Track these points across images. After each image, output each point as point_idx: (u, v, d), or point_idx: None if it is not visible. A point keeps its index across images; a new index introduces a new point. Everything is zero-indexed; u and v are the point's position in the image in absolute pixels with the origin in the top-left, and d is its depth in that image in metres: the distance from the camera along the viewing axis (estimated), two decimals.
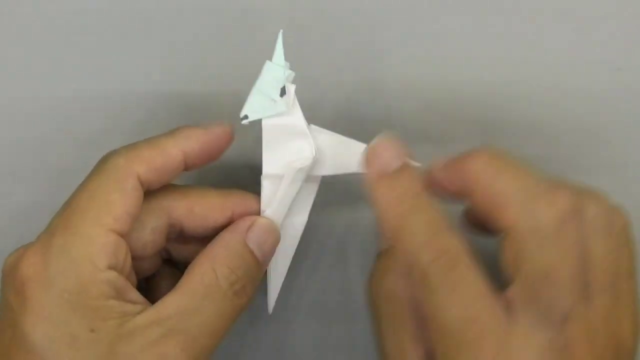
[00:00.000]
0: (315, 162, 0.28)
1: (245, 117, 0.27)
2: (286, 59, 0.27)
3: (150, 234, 0.27)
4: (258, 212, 0.28)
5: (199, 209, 0.27)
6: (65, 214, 0.25)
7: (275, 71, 0.27)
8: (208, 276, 0.26)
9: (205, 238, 0.27)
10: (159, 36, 0.31)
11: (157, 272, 0.29)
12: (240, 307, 0.26)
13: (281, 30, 0.27)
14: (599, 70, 0.32)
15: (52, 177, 0.31)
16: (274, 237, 0.28)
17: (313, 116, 0.28)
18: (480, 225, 0.27)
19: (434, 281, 0.24)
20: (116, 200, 0.25)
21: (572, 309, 0.23)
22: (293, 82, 0.27)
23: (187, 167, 0.27)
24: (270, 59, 0.27)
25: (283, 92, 0.27)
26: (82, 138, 0.32)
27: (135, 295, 0.25)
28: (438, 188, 0.26)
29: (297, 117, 0.28)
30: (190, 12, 0.31)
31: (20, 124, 0.32)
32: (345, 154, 0.28)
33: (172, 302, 0.25)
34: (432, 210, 0.25)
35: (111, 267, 0.25)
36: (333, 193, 0.32)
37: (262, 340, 0.33)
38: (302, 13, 0.31)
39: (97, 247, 0.25)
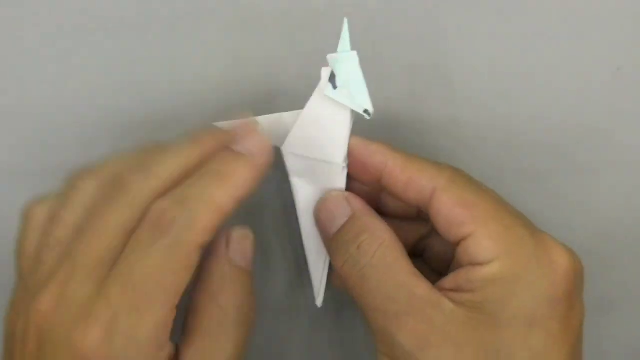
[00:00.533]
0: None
1: (367, 112, 0.27)
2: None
3: None
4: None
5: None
6: (129, 293, 0.24)
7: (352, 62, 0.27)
8: (217, 315, 0.26)
9: None
10: (165, 38, 0.31)
11: None
12: (249, 326, 0.27)
13: (346, 19, 0.27)
14: (599, 70, 0.32)
15: (52, 177, 0.31)
16: (250, 241, 0.28)
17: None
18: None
19: (366, 254, 0.26)
20: (183, 279, 0.24)
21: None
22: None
23: None
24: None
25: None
26: (83, 138, 0.32)
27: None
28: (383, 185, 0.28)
29: (344, 120, 0.27)
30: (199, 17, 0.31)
31: (20, 124, 0.32)
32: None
33: (190, 353, 0.26)
34: (397, 263, 0.27)
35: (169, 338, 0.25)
36: None
37: (262, 340, 0.34)
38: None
39: (163, 327, 0.24)
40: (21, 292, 0.27)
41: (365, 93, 0.27)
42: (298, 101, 0.28)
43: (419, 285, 0.26)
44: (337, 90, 0.27)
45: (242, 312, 0.27)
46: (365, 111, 0.27)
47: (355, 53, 0.27)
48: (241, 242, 0.28)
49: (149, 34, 0.32)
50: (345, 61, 0.27)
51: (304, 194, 0.29)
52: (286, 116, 0.28)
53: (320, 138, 0.28)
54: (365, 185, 0.29)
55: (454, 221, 0.26)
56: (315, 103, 0.27)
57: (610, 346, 0.29)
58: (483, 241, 0.26)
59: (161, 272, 0.24)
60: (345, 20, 0.27)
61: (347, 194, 0.28)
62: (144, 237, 0.24)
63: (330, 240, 0.28)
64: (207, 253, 0.27)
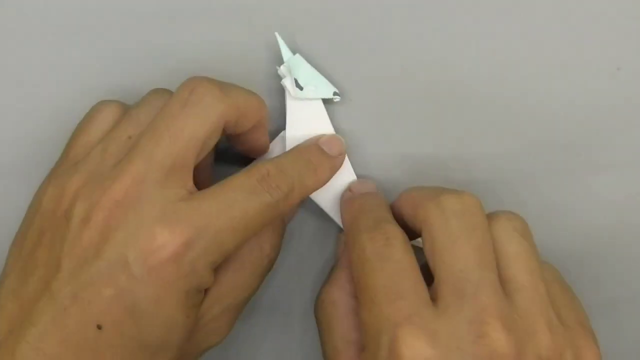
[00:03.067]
0: None
1: (336, 94, 0.31)
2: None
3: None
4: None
5: (244, 120, 0.28)
6: (216, 205, 0.26)
7: (300, 64, 0.31)
8: (255, 256, 0.29)
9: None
10: (161, 37, 0.31)
11: None
12: (269, 269, 0.30)
13: (276, 32, 0.30)
14: (599, 70, 0.32)
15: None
16: (295, 210, 0.32)
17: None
18: None
19: (367, 252, 0.26)
20: (209, 139, 0.27)
21: (483, 280, 0.25)
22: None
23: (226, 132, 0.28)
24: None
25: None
26: None
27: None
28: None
29: (320, 109, 0.31)
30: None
31: (20, 124, 0.32)
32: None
33: (227, 281, 0.28)
34: (383, 212, 0.29)
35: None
36: None
37: (259, 339, 0.33)
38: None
39: (220, 249, 0.26)
40: (69, 174, 0.27)
41: (325, 81, 0.31)
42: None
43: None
44: (304, 90, 0.31)
45: (275, 253, 0.29)
46: (334, 94, 0.31)
47: (299, 55, 0.31)
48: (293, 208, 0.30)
49: (152, 34, 0.32)
50: (296, 65, 0.31)
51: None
52: (281, 134, 0.32)
53: (310, 135, 0.31)
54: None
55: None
56: (292, 109, 0.31)
57: (612, 347, 0.29)
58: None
59: (252, 219, 0.26)
60: (277, 34, 0.31)
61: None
62: (248, 183, 0.27)
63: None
64: None
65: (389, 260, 0.26)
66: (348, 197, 0.31)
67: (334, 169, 0.30)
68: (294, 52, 0.31)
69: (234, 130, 0.28)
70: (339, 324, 0.28)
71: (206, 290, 0.27)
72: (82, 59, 0.32)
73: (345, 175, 0.32)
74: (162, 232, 0.25)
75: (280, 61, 0.31)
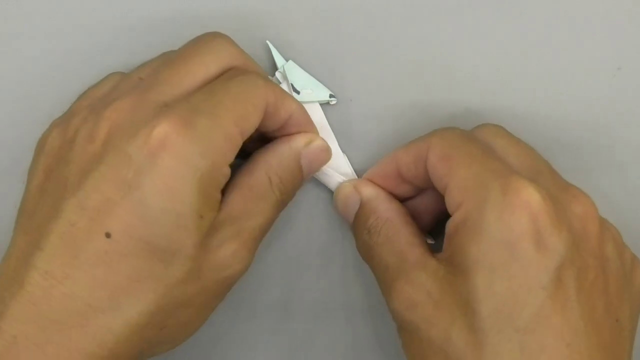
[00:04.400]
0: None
1: (332, 96, 0.32)
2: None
3: None
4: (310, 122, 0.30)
5: (277, 108, 0.28)
6: (211, 101, 0.25)
7: (295, 71, 0.31)
8: (263, 182, 0.28)
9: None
10: (153, 46, 0.31)
11: None
12: (280, 212, 0.29)
13: (267, 41, 0.31)
14: (599, 70, 0.32)
15: None
16: (326, 158, 0.31)
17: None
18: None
19: (374, 235, 0.28)
20: (251, 113, 0.26)
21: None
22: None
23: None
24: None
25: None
26: None
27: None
28: (405, 177, 0.30)
29: (318, 112, 0.31)
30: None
31: (20, 124, 0.32)
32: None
33: (238, 203, 0.27)
34: (400, 234, 0.29)
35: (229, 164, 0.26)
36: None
37: (257, 338, 0.34)
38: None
39: (230, 145, 0.26)
40: (73, 115, 0.27)
41: (320, 85, 0.32)
42: None
43: (412, 251, 0.27)
44: (301, 94, 0.31)
45: (282, 197, 0.29)
46: (330, 96, 0.32)
47: (292, 61, 0.31)
48: (318, 153, 0.30)
49: (143, 43, 0.32)
50: (290, 70, 0.31)
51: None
52: None
53: None
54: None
55: (437, 175, 0.27)
56: None
57: None
58: (452, 192, 0.26)
59: (239, 94, 0.26)
60: (268, 42, 0.31)
61: (355, 182, 0.31)
62: (227, 74, 0.27)
63: (352, 228, 0.30)
64: (285, 140, 0.29)
65: (393, 237, 0.28)
66: (351, 226, 0.31)
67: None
68: (286, 59, 0.31)
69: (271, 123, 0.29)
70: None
71: (220, 207, 0.27)
72: (84, 59, 0.32)
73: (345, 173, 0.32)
74: (158, 123, 0.24)
75: (274, 68, 0.31)
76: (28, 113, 0.32)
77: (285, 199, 0.29)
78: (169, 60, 0.27)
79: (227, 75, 0.27)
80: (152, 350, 0.26)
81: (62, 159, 0.25)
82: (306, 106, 0.31)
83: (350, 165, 0.32)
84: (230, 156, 0.26)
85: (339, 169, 0.32)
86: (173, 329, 0.26)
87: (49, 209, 0.24)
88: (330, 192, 0.32)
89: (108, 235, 0.23)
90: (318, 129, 0.31)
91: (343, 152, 0.32)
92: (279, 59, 0.31)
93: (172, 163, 0.24)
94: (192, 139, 0.24)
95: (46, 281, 0.23)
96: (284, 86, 0.31)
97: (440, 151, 0.27)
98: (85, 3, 0.31)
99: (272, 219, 0.29)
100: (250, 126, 0.26)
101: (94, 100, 0.27)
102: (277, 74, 0.31)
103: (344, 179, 0.31)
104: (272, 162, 0.29)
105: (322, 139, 0.31)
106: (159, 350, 0.26)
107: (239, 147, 0.26)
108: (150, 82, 0.26)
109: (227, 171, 0.26)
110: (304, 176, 0.30)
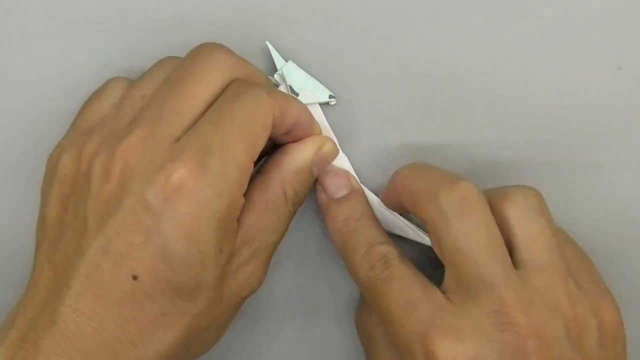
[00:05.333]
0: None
1: (331, 97, 0.32)
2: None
3: None
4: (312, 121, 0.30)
5: (284, 117, 0.28)
6: (220, 134, 0.25)
7: (293, 71, 0.31)
8: (279, 198, 0.28)
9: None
10: (150, 49, 0.31)
11: None
12: (289, 225, 0.29)
13: (267, 41, 0.31)
14: (599, 70, 0.32)
15: None
16: (333, 157, 0.31)
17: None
18: None
19: (373, 281, 0.28)
20: (259, 135, 0.26)
21: (495, 276, 0.25)
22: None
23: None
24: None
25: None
26: None
27: None
28: (390, 203, 0.31)
29: (318, 113, 0.31)
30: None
31: (20, 124, 0.32)
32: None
33: (254, 224, 0.28)
34: (371, 228, 0.29)
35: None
36: None
37: (256, 338, 0.34)
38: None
39: (244, 175, 0.26)
40: (85, 139, 0.27)
41: (320, 85, 0.31)
42: None
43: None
44: (299, 96, 0.31)
45: (295, 207, 0.29)
46: (330, 97, 0.31)
47: (290, 61, 0.31)
48: (329, 157, 0.30)
49: (141, 44, 0.32)
50: (289, 71, 0.31)
51: None
52: None
53: None
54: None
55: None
56: None
57: None
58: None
59: (244, 120, 0.26)
60: (268, 42, 0.31)
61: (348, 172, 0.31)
62: (228, 92, 0.27)
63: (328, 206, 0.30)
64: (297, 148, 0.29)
65: (393, 280, 0.27)
66: (326, 202, 0.31)
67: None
68: (286, 59, 0.31)
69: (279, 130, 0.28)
70: (378, 352, 0.29)
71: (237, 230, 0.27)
72: (84, 60, 0.32)
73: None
74: (172, 165, 0.24)
75: (273, 69, 0.31)
76: (28, 113, 0.32)
77: (296, 209, 0.30)
78: (170, 82, 0.27)
79: (230, 93, 0.27)
80: None
81: (79, 192, 0.26)
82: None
83: (350, 165, 0.32)
84: (245, 185, 0.26)
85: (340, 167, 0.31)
86: (197, 348, 0.27)
87: (72, 246, 0.25)
88: None
89: (135, 277, 0.24)
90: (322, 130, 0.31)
91: (343, 152, 0.32)
92: (278, 60, 0.31)
93: (190, 209, 0.24)
94: (208, 182, 0.25)
95: (77, 317, 0.24)
96: (283, 88, 0.31)
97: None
98: (86, 4, 0.31)
99: (285, 233, 0.29)
100: (260, 147, 0.27)
101: (102, 124, 0.27)
102: (276, 76, 0.31)
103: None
104: (287, 176, 0.29)
105: (329, 139, 0.31)
106: None
107: (251, 171, 0.26)
108: (157, 113, 0.26)
109: (242, 201, 0.26)
110: (314, 180, 0.31)
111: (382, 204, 0.31)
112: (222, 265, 0.26)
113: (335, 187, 0.30)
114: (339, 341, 0.33)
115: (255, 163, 0.27)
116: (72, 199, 0.26)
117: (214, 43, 0.28)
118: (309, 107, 0.31)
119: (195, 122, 0.26)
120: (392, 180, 0.30)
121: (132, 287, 0.24)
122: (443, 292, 0.27)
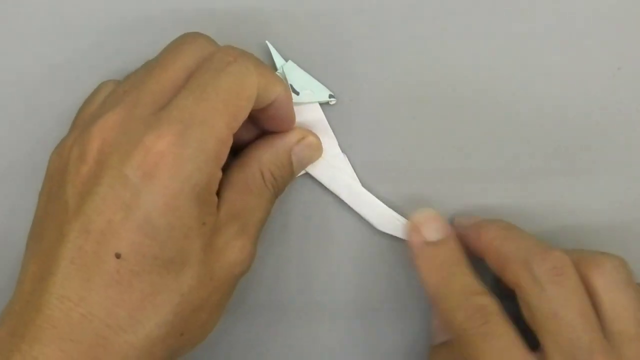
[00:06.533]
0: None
1: (331, 96, 0.32)
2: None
3: None
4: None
5: (267, 92, 0.28)
6: (200, 106, 0.25)
7: (294, 71, 0.31)
8: (257, 178, 0.28)
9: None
10: (150, 43, 0.31)
11: None
12: (273, 205, 0.30)
13: (267, 41, 0.31)
14: (599, 70, 0.32)
15: None
16: (316, 155, 0.31)
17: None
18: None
19: (470, 334, 0.27)
20: (243, 108, 0.26)
21: (593, 342, 0.25)
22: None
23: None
24: None
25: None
26: None
27: None
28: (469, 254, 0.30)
29: (318, 112, 0.31)
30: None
31: (20, 124, 0.32)
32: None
33: (237, 201, 0.28)
34: (468, 276, 0.28)
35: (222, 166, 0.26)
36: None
37: (254, 338, 0.33)
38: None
39: (224, 148, 0.25)
40: (69, 134, 0.27)
41: (320, 85, 0.31)
42: None
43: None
44: (300, 94, 0.31)
45: (274, 190, 0.29)
46: (330, 96, 0.31)
47: (291, 61, 0.31)
48: (309, 150, 0.30)
49: (141, 40, 0.32)
50: (290, 71, 0.31)
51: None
52: None
53: None
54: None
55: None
56: None
57: None
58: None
59: (227, 93, 0.25)
60: (268, 42, 0.31)
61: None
62: (213, 63, 0.26)
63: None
64: (278, 136, 0.30)
65: (493, 338, 0.26)
66: (419, 246, 0.30)
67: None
68: (286, 59, 0.31)
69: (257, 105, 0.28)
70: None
71: (218, 207, 0.27)
72: (84, 60, 0.32)
73: (330, 147, 0.32)
74: (149, 138, 0.24)
75: (273, 69, 0.31)
76: (27, 113, 0.32)
77: (277, 192, 0.30)
78: (150, 68, 0.27)
79: (216, 63, 0.26)
80: (173, 355, 0.26)
81: (60, 181, 0.26)
82: (306, 106, 0.31)
83: (350, 165, 0.32)
84: (223, 159, 0.26)
85: (339, 170, 0.32)
86: (192, 333, 0.26)
87: (55, 233, 0.25)
88: (327, 193, 0.32)
89: (118, 255, 0.24)
90: (318, 129, 0.31)
91: (343, 152, 0.32)
92: (278, 59, 0.31)
93: (169, 181, 0.24)
94: (187, 155, 0.24)
95: (63, 304, 0.23)
96: None
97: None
98: (86, 4, 0.31)
99: (269, 212, 0.29)
100: (242, 120, 0.26)
101: (86, 118, 0.27)
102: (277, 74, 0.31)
103: (348, 179, 0.31)
104: (264, 157, 0.29)
105: (316, 135, 0.31)
106: (180, 354, 0.27)
107: (231, 143, 0.26)
108: (135, 95, 0.26)
109: (220, 174, 0.26)
110: (294, 174, 0.30)
111: (381, 207, 0.31)
112: (207, 236, 0.25)
113: (431, 230, 0.30)
114: (338, 340, 0.33)
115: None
116: (54, 191, 0.26)
117: (196, 32, 0.28)
118: (309, 106, 0.31)
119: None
120: (479, 236, 0.29)
121: (116, 266, 0.24)
122: (538, 358, 0.26)
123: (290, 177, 0.30)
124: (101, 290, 0.24)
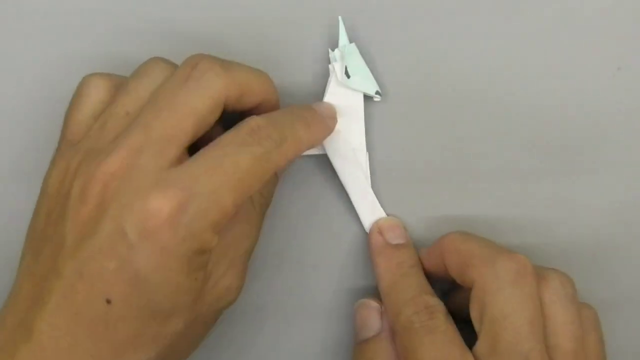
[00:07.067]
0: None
1: (378, 93, 0.31)
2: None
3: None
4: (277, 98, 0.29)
5: (247, 97, 0.28)
6: (212, 178, 0.25)
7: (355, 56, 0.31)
8: (247, 206, 0.29)
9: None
10: (166, 41, 0.31)
11: None
12: (260, 230, 0.30)
13: (340, 16, 0.31)
14: (599, 70, 0.32)
15: None
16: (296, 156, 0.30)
17: None
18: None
19: (415, 327, 0.28)
20: (252, 187, 0.26)
21: (532, 352, 0.26)
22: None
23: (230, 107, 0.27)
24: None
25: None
26: None
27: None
28: (429, 262, 0.31)
29: (358, 102, 0.31)
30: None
31: (20, 124, 0.32)
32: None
33: (226, 235, 0.27)
34: (422, 278, 0.30)
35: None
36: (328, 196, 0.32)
37: (254, 338, 0.33)
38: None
39: (224, 219, 0.25)
40: (71, 154, 0.27)
41: (372, 78, 0.31)
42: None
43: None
44: (350, 78, 0.31)
45: (265, 199, 0.29)
46: (377, 92, 0.31)
47: (354, 45, 0.31)
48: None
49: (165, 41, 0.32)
50: (349, 53, 0.31)
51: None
52: None
53: (341, 124, 0.31)
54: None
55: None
56: (332, 95, 0.31)
57: (613, 346, 0.29)
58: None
59: (246, 172, 0.25)
60: (340, 18, 0.31)
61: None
62: (238, 137, 0.26)
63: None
64: None
65: (437, 333, 0.27)
66: (380, 245, 0.31)
67: (327, 129, 0.30)
68: (350, 41, 0.31)
69: (239, 107, 0.28)
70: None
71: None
72: (84, 60, 0.32)
73: (357, 139, 0.31)
74: (155, 198, 0.24)
75: (334, 45, 0.31)
76: (27, 112, 0.32)
77: (265, 210, 0.30)
78: (157, 106, 0.26)
79: (230, 138, 0.26)
80: None
81: (61, 210, 0.26)
82: (350, 94, 0.31)
83: (368, 164, 0.32)
84: (222, 228, 0.26)
85: (355, 163, 0.31)
86: (171, 358, 0.27)
87: (50, 262, 0.25)
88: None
89: (108, 301, 0.24)
90: (352, 118, 0.31)
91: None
92: (343, 38, 0.31)
93: (165, 244, 0.24)
94: (185, 222, 0.24)
95: (53, 332, 0.24)
96: (338, 66, 0.31)
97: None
98: (84, 3, 0.31)
99: (256, 238, 0.29)
100: (249, 194, 0.26)
101: (86, 140, 0.27)
102: (335, 51, 0.31)
103: (361, 176, 0.31)
104: None
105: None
106: None
107: (232, 216, 0.26)
108: (140, 138, 0.25)
109: (216, 240, 0.26)
110: (278, 178, 0.31)
111: (380, 214, 0.32)
112: (198, 290, 0.26)
113: (394, 235, 0.31)
114: (338, 340, 0.33)
115: None
116: (54, 215, 0.26)
117: (205, 60, 0.27)
118: (353, 94, 0.31)
119: (181, 154, 0.26)
120: (439, 241, 0.30)
121: (105, 309, 0.24)
122: (475, 356, 0.27)
123: (274, 186, 0.30)
124: (89, 327, 0.24)
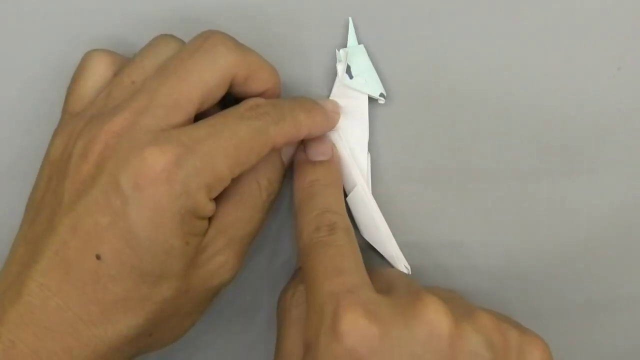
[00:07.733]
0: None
1: (382, 95, 0.31)
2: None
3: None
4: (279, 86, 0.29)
5: (253, 81, 0.28)
6: (210, 141, 0.25)
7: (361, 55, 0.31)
8: (253, 189, 0.28)
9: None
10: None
11: None
12: (269, 213, 0.30)
13: (350, 17, 0.31)
14: (599, 70, 0.32)
15: None
16: (295, 144, 0.31)
17: None
18: None
19: (313, 243, 0.27)
20: (252, 160, 0.26)
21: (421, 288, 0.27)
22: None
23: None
24: None
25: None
26: None
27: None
28: None
29: (363, 104, 0.31)
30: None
31: (20, 124, 0.32)
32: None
33: (229, 214, 0.28)
34: (332, 197, 0.29)
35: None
36: None
37: (253, 338, 0.34)
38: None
39: (218, 184, 0.26)
40: (75, 122, 0.27)
41: (378, 80, 0.31)
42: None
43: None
44: (353, 79, 0.31)
45: (270, 198, 0.29)
46: (381, 94, 0.31)
47: (362, 46, 0.31)
48: (294, 146, 0.31)
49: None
50: (356, 54, 0.31)
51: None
52: None
53: (344, 123, 0.31)
54: None
55: None
56: (336, 95, 0.31)
57: (612, 346, 0.29)
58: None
59: (245, 142, 0.26)
60: (350, 19, 0.31)
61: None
62: (237, 111, 0.27)
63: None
64: None
65: (333, 246, 0.27)
66: (300, 161, 0.31)
67: (329, 119, 0.30)
68: (359, 42, 0.31)
69: (243, 91, 0.28)
70: (288, 330, 0.29)
71: (209, 221, 0.27)
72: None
73: (359, 141, 0.31)
74: (151, 152, 0.24)
75: (342, 45, 0.31)
76: (27, 112, 0.32)
77: (273, 199, 0.30)
78: (164, 74, 0.26)
79: (242, 110, 0.27)
80: (141, 352, 0.27)
81: (60, 172, 0.26)
82: (355, 95, 0.31)
83: (369, 166, 0.32)
84: (215, 193, 0.26)
85: (355, 165, 0.31)
86: (161, 334, 0.27)
87: (45, 222, 0.25)
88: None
89: (98, 257, 0.24)
90: (356, 120, 0.31)
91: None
92: (352, 38, 0.31)
93: (159, 198, 0.24)
94: (180, 177, 0.25)
95: (42, 292, 0.24)
96: (341, 66, 0.31)
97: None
98: (84, 3, 0.31)
99: (262, 223, 0.29)
100: (245, 168, 0.27)
101: (91, 108, 0.27)
102: (342, 51, 0.31)
103: (360, 178, 0.31)
104: (260, 166, 0.28)
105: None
106: (148, 351, 0.28)
107: (227, 184, 0.26)
108: (146, 102, 0.26)
109: (211, 206, 0.26)
110: (285, 168, 0.31)
111: (377, 218, 0.31)
112: (190, 256, 0.26)
113: (316, 152, 0.31)
114: None
115: None
116: (54, 179, 0.26)
117: (218, 35, 0.27)
118: (358, 96, 0.31)
119: (184, 122, 0.26)
120: None
121: (95, 266, 0.24)
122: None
123: (283, 177, 0.30)
124: (79, 285, 0.24)
